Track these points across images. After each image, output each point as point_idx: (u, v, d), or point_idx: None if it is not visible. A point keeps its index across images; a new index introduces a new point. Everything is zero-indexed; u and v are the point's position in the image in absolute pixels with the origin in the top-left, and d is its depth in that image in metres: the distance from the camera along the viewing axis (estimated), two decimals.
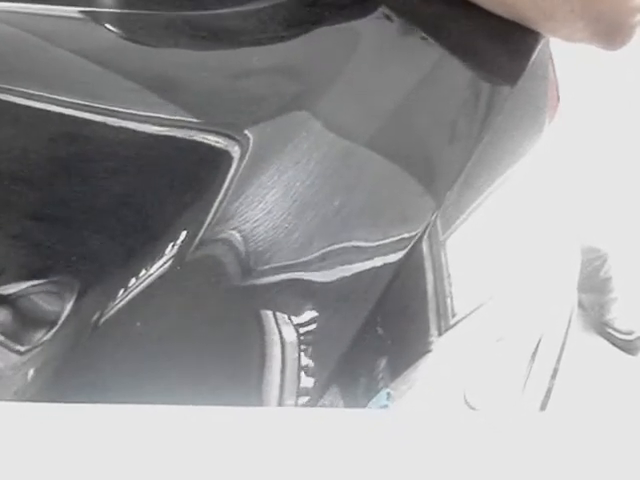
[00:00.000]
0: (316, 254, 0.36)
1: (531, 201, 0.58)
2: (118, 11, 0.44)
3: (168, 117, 0.37)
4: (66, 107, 0.37)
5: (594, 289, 1.63)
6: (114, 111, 0.37)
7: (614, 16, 0.49)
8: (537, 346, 0.61)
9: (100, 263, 0.33)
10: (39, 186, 0.35)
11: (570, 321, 0.75)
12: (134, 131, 0.37)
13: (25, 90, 0.37)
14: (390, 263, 0.38)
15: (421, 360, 0.42)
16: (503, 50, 0.48)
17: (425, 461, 0.21)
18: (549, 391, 0.65)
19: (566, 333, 0.73)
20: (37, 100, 0.36)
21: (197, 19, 0.44)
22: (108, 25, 0.43)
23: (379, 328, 0.39)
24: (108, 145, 0.36)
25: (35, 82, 0.37)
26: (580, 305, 1.62)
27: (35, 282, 0.32)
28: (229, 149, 0.37)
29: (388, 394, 0.39)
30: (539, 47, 0.50)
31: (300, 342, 0.34)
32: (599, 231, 1.56)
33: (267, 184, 0.36)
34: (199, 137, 0.37)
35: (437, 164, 0.43)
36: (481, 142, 0.45)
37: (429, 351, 0.43)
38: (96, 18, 0.42)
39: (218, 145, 0.37)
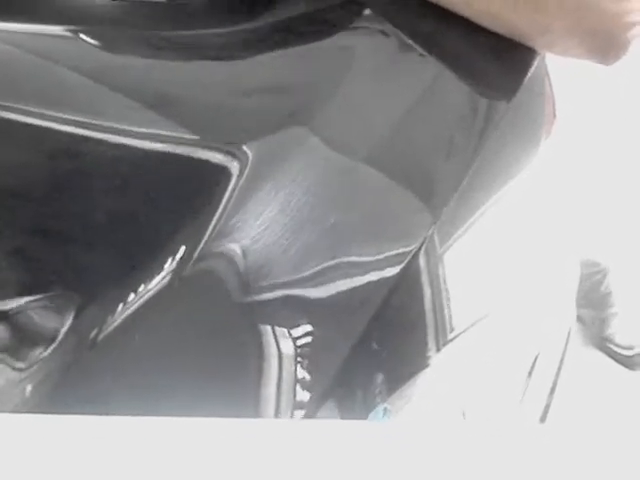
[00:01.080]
0: (313, 270, 0.36)
1: (529, 215, 0.59)
2: (114, 30, 0.44)
3: (166, 134, 0.37)
4: (64, 124, 0.37)
5: (594, 304, 1.63)
6: (112, 128, 0.37)
7: (609, 31, 0.49)
8: (535, 361, 0.61)
9: (99, 278, 0.33)
10: (38, 202, 0.35)
11: (569, 336, 0.75)
12: (132, 147, 0.37)
13: (24, 107, 0.37)
14: (387, 278, 0.38)
15: (419, 375, 0.42)
16: (499, 66, 0.49)
17: (421, 474, 0.21)
18: (547, 407, 0.65)
19: (565, 348, 0.73)
20: (35, 117, 0.37)
21: (193, 38, 0.44)
22: (106, 43, 0.43)
23: (376, 343, 0.39)
24: (107, 162, 0.36)
25: (33, 100, 0.38)
26: (580, 320, 1.62)
27: (33, 297, 0.32)
28: (227, 165, 0.37)
29: (385, 409, 0.39)
30: (535, 63, 0.50)
31: (297, 355, 0.34)
32: (599, 245, 1.56)
33: (265, 200, 0.36)
34: (197, 154, 0.37)
35: (434, 179, 0.43)
36: (478, 157, 0.45)
37: (427, 366, 0.43)
38: (93, 36, 0.43)
39: (216, 161, 0.37)
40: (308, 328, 0.35)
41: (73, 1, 0.43)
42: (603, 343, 1.63)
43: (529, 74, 0.49)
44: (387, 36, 0.45)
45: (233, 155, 0.37)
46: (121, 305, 0.32)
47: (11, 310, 0.32)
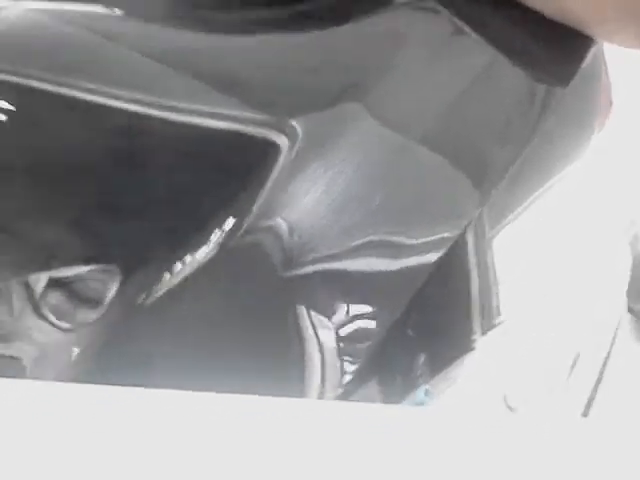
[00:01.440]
0: (355, 244, 0.36)
1: (581, 204, 0.58)
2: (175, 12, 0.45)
3: (221, 111, 0.38)
4: (126, 102, 0.37)
5: None
6: (170, 106, 0.38)
7: None
8: (579, 354, 0.61)
9: (148, 248, 0.34)
10: (99, 177, 0.36)
11: (617, 329, 0.74)
12: (188, 125, 0.37)
13: (87, 85, 0.38)
14: (430, 260, 0.38)
15: (463, 358, 0.43)
16: (556, 53, 0.48)
17: (459, 461, 0.21)
18: (591, 400, 0.65)
19: (612, 341, 0.71)
20: (97, 94, 0.37)
21: (247, 18, 0.45)
22: (169, 24, 0.44)
23: (420, 324, 0.39)
24: (164, 139, 0.37)
25: (96, 78, 0.38)
26: (634, 313, 1.58)
27: (90, 267, 0.33)
28: (277, 141, 0.37)
29: (426, 390, 0.39)
30: (592, 50, 0.50)
31: (338, 335, 0.35)
32: None
33: (313, 177, 0.37)
34: (249, 129, 0.38)
35: (486, 162, 0.43)
36: (532, 142, 0.45)
37: (472, 349, 0.43)
38: (155, 19, 0.44)
39: (267, 137, 0.37)
40: (349, 307, 0.35)
41: None
42: None
43: (585, 62, 0.49)
44: (441, 18, 0.45)
45: (283, 131, 0.37)
46: (168, 274, 0.33)
47: (68, 278, 0.33)
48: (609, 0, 0.47)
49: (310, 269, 0.35)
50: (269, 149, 0.37)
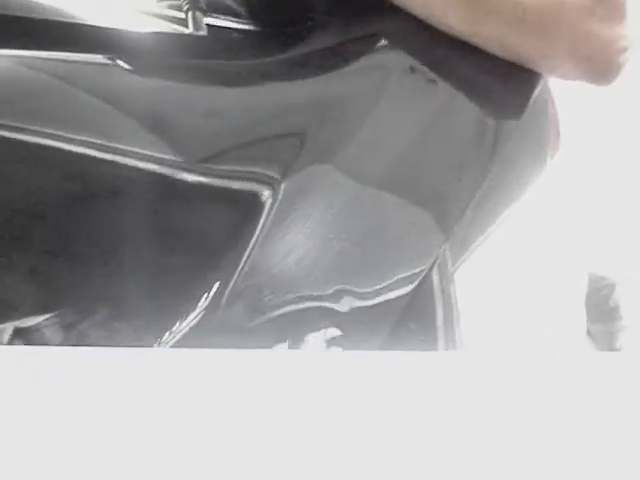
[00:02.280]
0: (333, 289, 0.37)
1: (538, 231, 0.59)
2: (142, 58, 0.45)
3: (196, 164, 0.38)
4: (80, 146, 0.37)
5: (602, 318, 1.63)
6: (135, 153, 0.37)
7: (603, 56, 0.53)
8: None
9: (126, 308, 0.34)
10: (53, 223, 0.36)
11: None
12: (165, 176, 0.37)
13: (40, 130, 0.37)
14: (400, 296, 0.39)
15: None
16: (506, 88, 0.50)
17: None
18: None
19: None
20: (52, 139, 0.37)
21: (218, 67, 0.45)
22: (135, 69, 0.44)
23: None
24: (127, 186, 0.37)
25: (49, 122, 0.38)
26: (590, 334, 1.61)
27: (47, 315, 0.33)
28: (261, 199, 0.38)
29: None
30: (539, 84, 0.52)
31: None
32: (606, 259, 1.57)
33: (292, 230, 0.37)
34: (227, 184, 0.38)
35: (446, 198, 0.44)
36: (488, 176, 0.46)
37: None
38: (119, 62, 0.43)
39: (248, 194, 0.38)
40: (336, 333, 0.36)
41: (100, 30, 0.44)
42: None
43: (534, 95, 0.51)
44: (395, 58, 0.47)
45: (267, 187, 0.38)
46: (156, 344, 0.33)
47: (30, 328, 0.33)
48: (554, 38, 0.51)
49: (295, 307, 0.35)
50: (255, 204, 0.37)
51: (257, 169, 0.39)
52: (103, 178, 0.37)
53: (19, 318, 0.33)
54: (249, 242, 0.36)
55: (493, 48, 0.51)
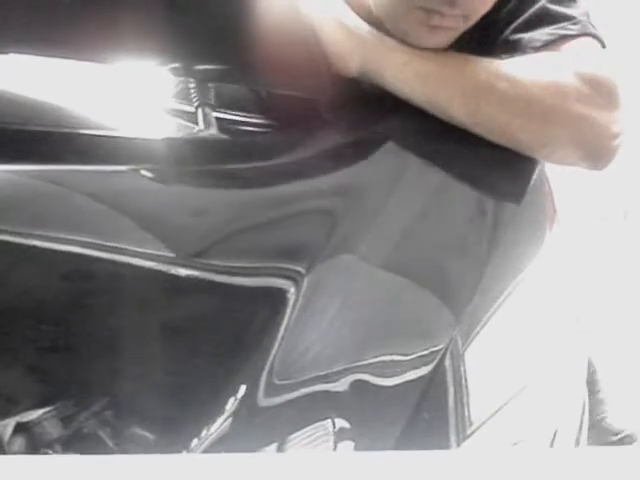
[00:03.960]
0: (352, 377, 0.38)
1: (539, 304, 0.60)
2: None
3: (165, 256, 0.38)
4: (80, 246, 0.38)
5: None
6: (132, 251, 0.38)
7: (601, 142, 0.55)
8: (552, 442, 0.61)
9: (135, 411, 0.34)
10: (53, 322, 0.36)
11: (583, 415, 0.75)
12: (187, 279, 0.37)
13: (40, 233, 0.38)
14: (418, 378, 0.39)
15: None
16: (505, 174, 0.52)
17: None
18: None
19: (580, 427, 0.72)
20: (51, 241, 0.38)
21: (226, 170, 0.46)
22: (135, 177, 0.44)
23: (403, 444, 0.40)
24: (127, 283, 0.37)
25: (49, 225, 0.39)
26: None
27: (47, 409, 0.33)
28: (286, 295, 0.38)
29: None
30: (537, 169, 0.54)
31: (335, 447, 0.35)
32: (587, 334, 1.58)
33: (314, 324, 0.38)
34: (259, 280, 0.38)
35: (452, 280, 0.45)
36: (492, 257, 0.47)
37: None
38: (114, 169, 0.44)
39: (273, 291, 0.38)
40: (345, 425, 0.36)
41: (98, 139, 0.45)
42: (594, 428, 1.62)
43: (533, 179, 0.53)
44: (401, 156, 0.48)
45: (292, 283, 0.38)
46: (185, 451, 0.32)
47: (30, 422, 0.33)
48: (553, 128, 0.53)
49: (302, 392, 0.36)
50: (279, 300, 0.37)
51: (279, 264, 0.39)
52: (101, 276, 0.37)
53: (20, 412, 0.33)
54: (275, 340, 0.36)
55: (493, 136, 0.53)
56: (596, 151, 0.56)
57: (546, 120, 0.53)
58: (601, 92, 0.55)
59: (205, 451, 0.32)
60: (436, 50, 0.57)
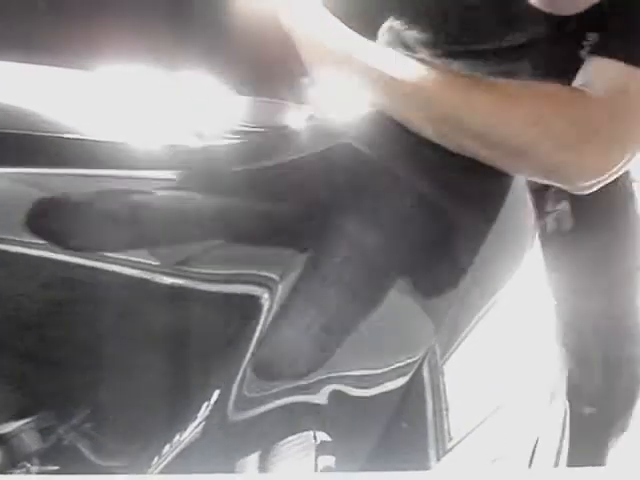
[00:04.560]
0: (329, 387, 0.37)
1: (518, 317, 0.60)
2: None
3: (153, 264, 0.38)
4: (61, 254, 0.37)
5: None
6: (114, 258, 0.38)
7: (574, 178, 0.55)
8: (531, 458, 0.61)
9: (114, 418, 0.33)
10: (34, 329, 0.36)
11: (565, 424, 0.74)
12: (162, 285, 0.37)
13: (18, 239, 0.38)
14: (397, 388, 0.39)
15: None
16: (481, 188, 0.53)
17: None
18: None
19: (560, 443, 0.72)
20: (34, 248, 0.37)
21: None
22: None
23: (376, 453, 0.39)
24: (109, 291, 0.37)
25: (29, 231, 0.38)
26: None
27: (26, 420, 0.32)
28: (260, 301, 0.38)
29: None
30: (513, 183, 0.55)
31: (317, 462, 0.35)
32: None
33: (290, 328, 0.38)
34: (235, 288, 0.38)
35: (436, 293, 0.45)
36: (471, 267, 0.47)
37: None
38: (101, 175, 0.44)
39: (249, 298, 0.38)
40: (324, 437, 0.35)
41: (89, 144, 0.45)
42: None
43: (509, 193, 0.53)
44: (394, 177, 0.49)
45: (267, 290, 0.38)
46: (156, 458, 0.32)
47: (7, 434, 0.32)
48: (525, 164, 0.53)
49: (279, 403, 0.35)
50: (254, 307, 0.37)
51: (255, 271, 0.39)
52: (82, 284, 0.37)
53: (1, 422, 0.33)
54: (248, 347, 0.35)
55: (466, 154, 0.53)
56: (570, 183, 0.56)
57: (520, 157, 0.53)
58: (582, 128, 0.52)
59: (178, 457, 0.31)
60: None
